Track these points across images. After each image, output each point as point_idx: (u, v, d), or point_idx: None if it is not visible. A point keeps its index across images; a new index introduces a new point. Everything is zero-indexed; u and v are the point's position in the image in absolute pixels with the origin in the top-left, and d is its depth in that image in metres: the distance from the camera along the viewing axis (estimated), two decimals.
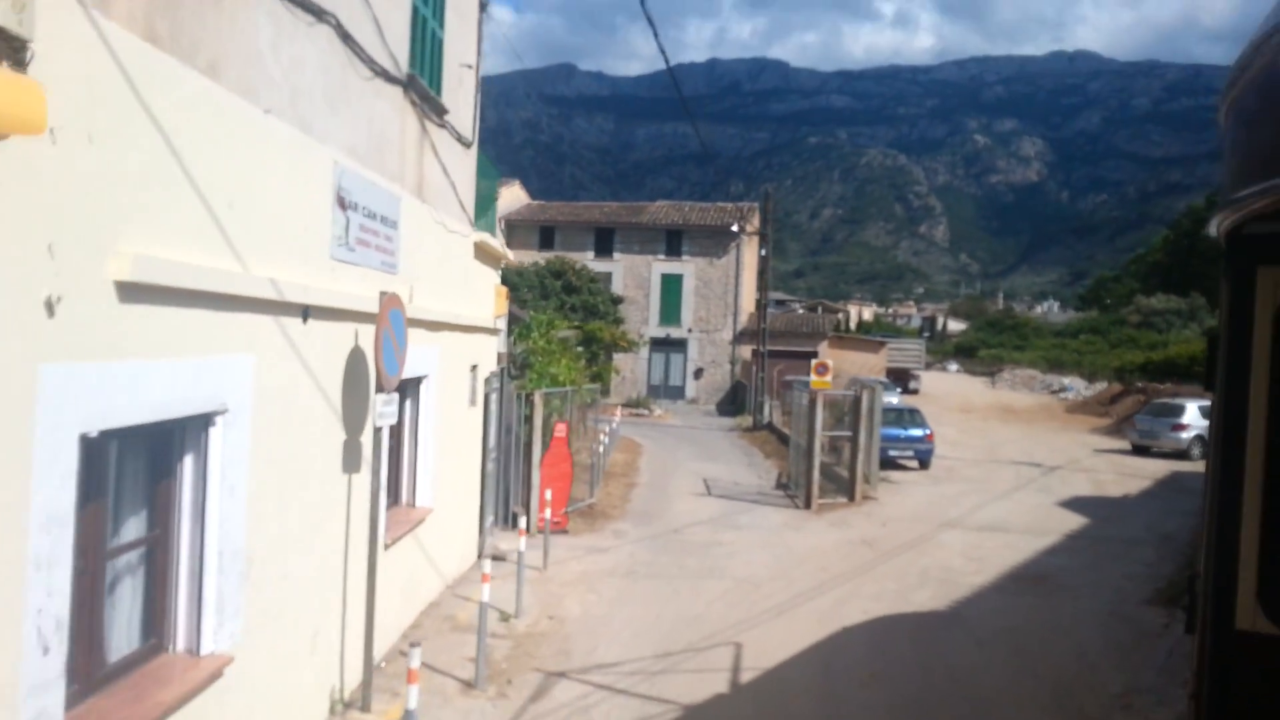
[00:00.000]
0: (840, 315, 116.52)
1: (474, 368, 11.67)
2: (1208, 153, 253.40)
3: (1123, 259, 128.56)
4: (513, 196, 45.18)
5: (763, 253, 32.54)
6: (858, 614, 10.13)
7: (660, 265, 42.59)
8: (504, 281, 39.36)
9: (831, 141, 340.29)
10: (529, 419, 14.28)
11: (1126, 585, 11.72)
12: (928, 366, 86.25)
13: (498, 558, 12.14)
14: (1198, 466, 23.94)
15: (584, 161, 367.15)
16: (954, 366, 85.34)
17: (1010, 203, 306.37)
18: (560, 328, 19.09)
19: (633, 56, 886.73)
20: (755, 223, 44.61)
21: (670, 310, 42.56)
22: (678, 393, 42.48)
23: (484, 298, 12.11)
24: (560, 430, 14.06)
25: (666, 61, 13.63)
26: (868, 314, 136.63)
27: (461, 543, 11.22)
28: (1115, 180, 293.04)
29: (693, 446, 26.21)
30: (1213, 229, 3.35)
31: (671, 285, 42.55)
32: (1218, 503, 3.30)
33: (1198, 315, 72.66)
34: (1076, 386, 54.63)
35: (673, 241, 42.58)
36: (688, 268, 42.43)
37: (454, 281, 10.38)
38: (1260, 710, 3.20)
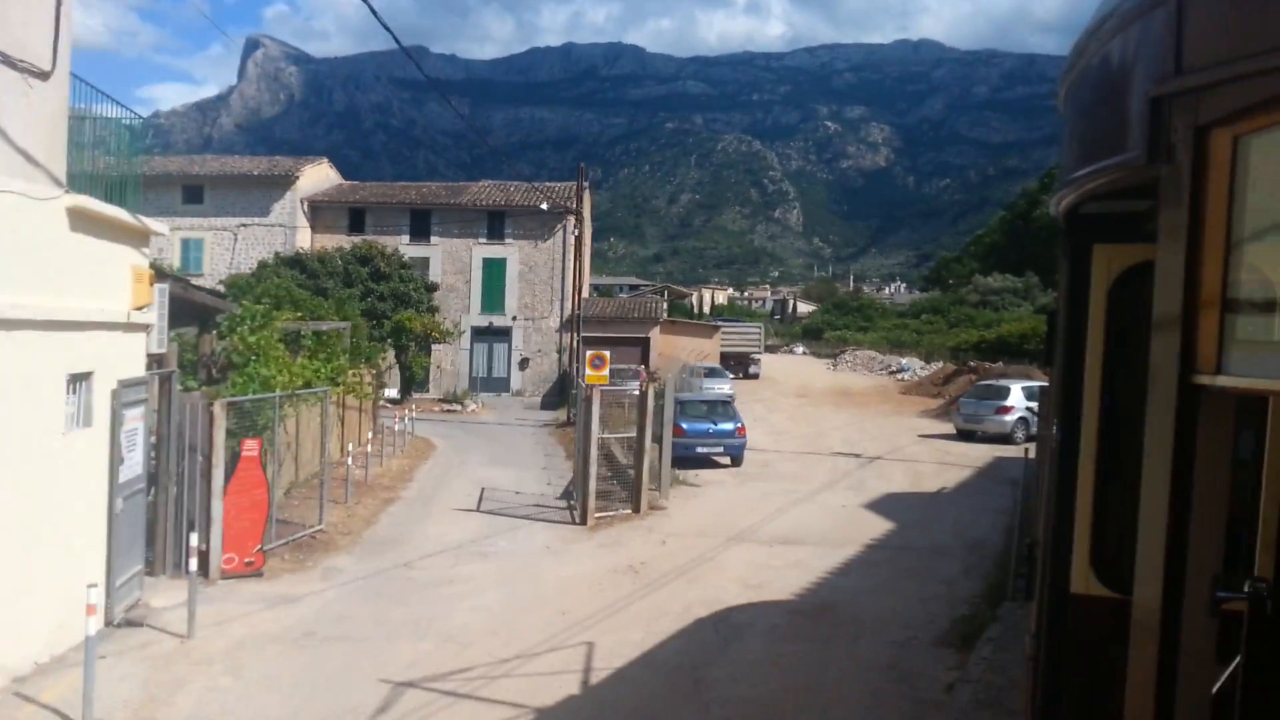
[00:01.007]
0: (691, 298, 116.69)
1: (83, 376, 8.75)
2: (1043, 139, 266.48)
3: (965, 241, 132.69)
4: (320, 176, 41.40)
5: (575, 234, 30.10)
6: (572, 688, 7.79)
7: (482, 249, 39.68)
8: (302, 269, 35.71)
9: (688, 127, 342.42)
10: (233, 434, 11.41)
11: (919, 616, 9.82)
12: (775, 349, 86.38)
13: (133, 623, 9.29)
14: (1021, 451, 22.94)
15: (439, 146, 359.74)
16: (800, 349, 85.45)
17: (860, 187, 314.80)
18: (281, 319, 16.05)
19: (486, 39, 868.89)
20: (584, 206, 42.35)
21: (493, 297, 39.74)
22: (502, 385, 39.76)
23: (105, 283, 9.17)
24: (250, 448, 11.22)
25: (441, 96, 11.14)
26: (721, 297, 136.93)
27: (54, 613, 8.30)
28: (958, 165, 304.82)
29: (493, 446, 23.63)
30: (1052, 208, 3.39)
31: (494, 270, 39.72)
32: (1056, 473, 3.49)
33: (1031, 294, 74.82)
34: (913, 366, 54.70)
35: (495, 223, 39.71)
36: (511, 251, 39.66)
37: (12, 260, 7.44)
38: (1092, 667, 3.38)
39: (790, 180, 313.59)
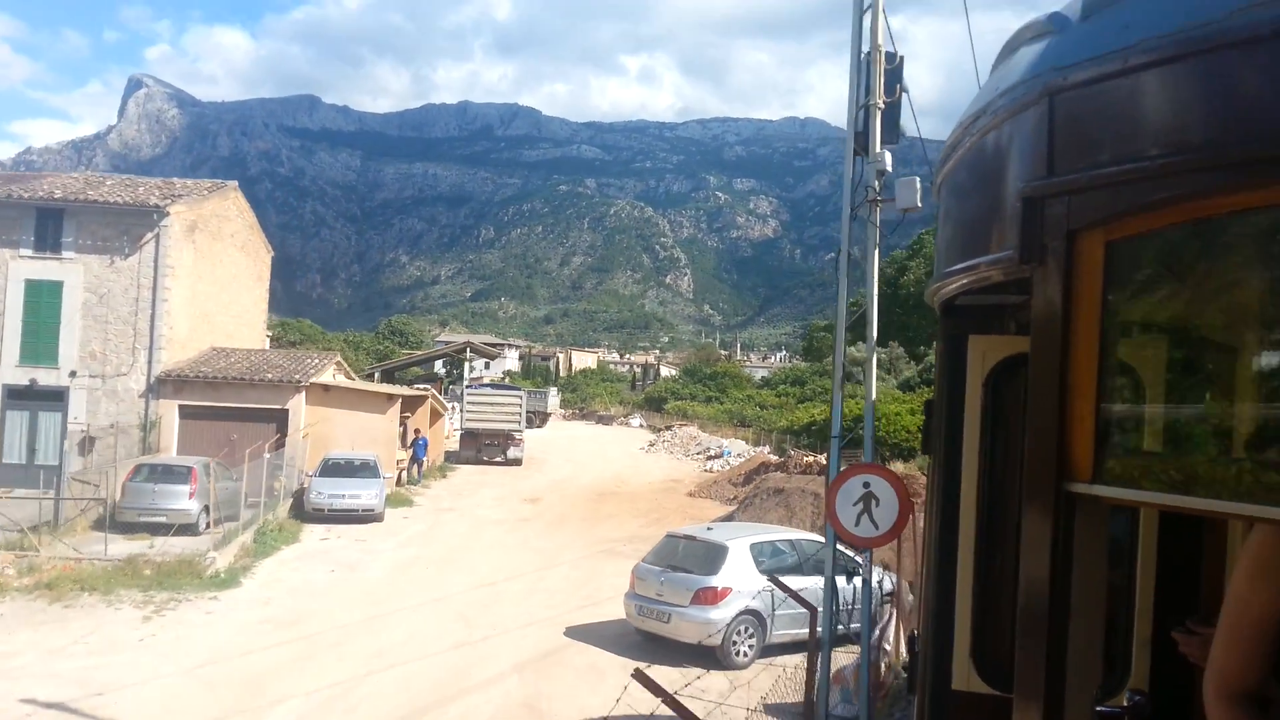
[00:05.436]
0: (554, 361, 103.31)
1: None
2: (921, 219, 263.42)
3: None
4: None
5: (155, 235, 16.08)
6: None
7: (26, 265, 25.59)
8: None
9: (582, 190, 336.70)
10: None
11: None
12: (610, 421, 73.67)
13: None
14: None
15: (328, 198, 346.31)
16: (638, 420, 72.68)
17: (749, 257, 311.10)
18: None
19: (381, 92, 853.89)
20: (209, 208, 28.71)
21: (41, 340, 25.57)
22: (50, 475, 25.37)
23: None
24: None
25: None
26: (591, 360, 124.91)
27: None
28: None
29: None
30: (927, 297, 3.40)
31: (45, 298, 25.61)
32: (936, 566, 3.38)
33: (896, 366, 65.02)
34: (732, 451, 42.39)
35: (49, 226, 25.71)
36: (73, 270, 25.65)
37: None
38: None
39: (681, 247, 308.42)
